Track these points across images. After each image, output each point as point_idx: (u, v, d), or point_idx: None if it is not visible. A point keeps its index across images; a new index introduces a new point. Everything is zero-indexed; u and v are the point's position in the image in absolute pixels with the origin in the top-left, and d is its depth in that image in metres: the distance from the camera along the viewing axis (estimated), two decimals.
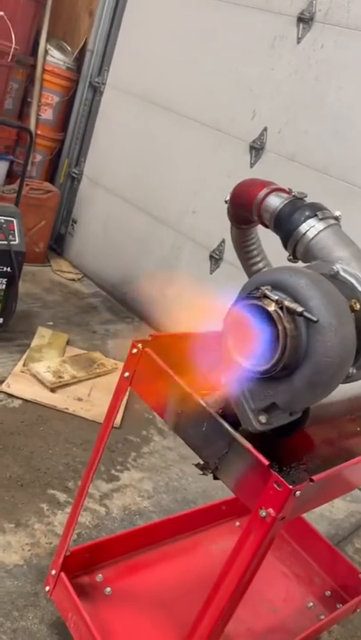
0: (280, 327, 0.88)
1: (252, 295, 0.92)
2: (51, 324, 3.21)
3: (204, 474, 1.06)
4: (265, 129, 3.00)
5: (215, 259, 3.24)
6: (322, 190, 2.78)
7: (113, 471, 2.25)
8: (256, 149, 3.04)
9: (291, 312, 0.87)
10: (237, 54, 3.09)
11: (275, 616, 1.68)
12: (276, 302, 0.89)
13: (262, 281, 0.94)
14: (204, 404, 1.04)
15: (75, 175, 4.15)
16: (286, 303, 0.88)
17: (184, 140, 3.40)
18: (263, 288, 0.91)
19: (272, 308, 0.89)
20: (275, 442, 1.13)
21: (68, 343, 3.04)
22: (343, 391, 1.24)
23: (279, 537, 1.99)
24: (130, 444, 2.43)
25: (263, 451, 1.06)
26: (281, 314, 0.88)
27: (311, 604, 1.77)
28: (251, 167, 3.08)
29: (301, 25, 2.82)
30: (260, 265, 1.48)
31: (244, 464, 0.98)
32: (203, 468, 1.06)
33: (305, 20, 2.79)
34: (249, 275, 1.49)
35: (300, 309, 0.86)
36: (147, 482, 2.24)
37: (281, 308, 0.88)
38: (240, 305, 0.94)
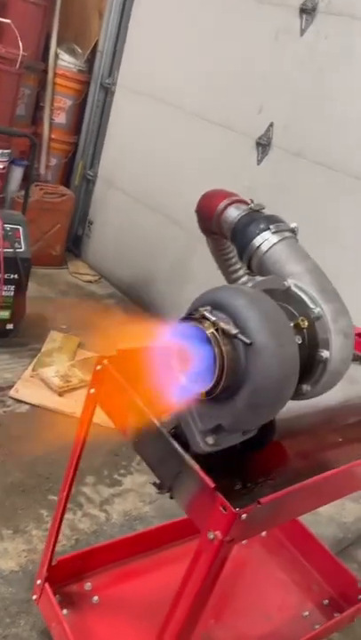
0: (217, 349, 0.86)
1: (191, 316, 0.90)
2: (64, 327, 3.25)
3: (160, 493, 1.06)
4: (271, 124, 2.95)
5: None
6: (329, 185, 2.72)
7: (116, 475, 2.27)
8: (263, 146, 2.99)
9: (226, 334, 0.86)
10: (242, 49, 3.04)
11: (268, 624, 1.67)
12: (213, 324, 0.87)
13: (204, 301, 0.92)
14: (157, 424, 1.04)
15: (89, 177, 4.18)
16: (222, 325, 0.86)
17: (193, 138, 3.38)
18: (202, 309, 0.89)
19: (210, 330, 0.88)
20: (244, 456, 1.12)
21: (79, 346, 3.07)
22: (314, 403, 1.22)
23: (279, 543, 1.97)
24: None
25: (229, 466, 1.06)
26: (218, 336, 0.87)
27: (307, 612, 1.75)
28: (258, 164, 3.04)
29: (304, 16, 2.74)
30: (240, 272, 1.45)
31: (193, 485, 0.97)
32: (159, 488, 1.05)
33: (308, 10, 2.72)
34: (230, 283, 1.47)
35: (234, 331, 0.85)
36: (149, 486, 2.24)
37: (217, 330, 0.87)
38: (181, 326, 0.92)
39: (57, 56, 3.91)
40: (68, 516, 1.98)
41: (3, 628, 1.57)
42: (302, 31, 2.78)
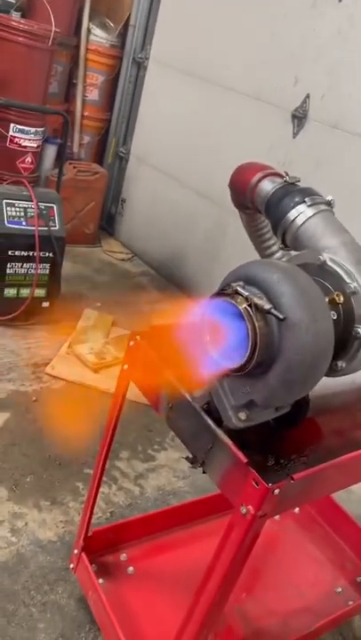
0: (250, 325, 0.85)
1: (223, 292, 0.89)
2: (99, 304, 3.28)
3: (193, 467, 1.07)
4: (307, 96, 2.87)
5: None
6: None
7: (150, 451, 2.30)
8: (299, 118, 2.91)
9: (259, 309, 0.85)
10: (278, 18, 2.95)
11: (300, 600, 1.67)
12: (246, 299, 0.86)
13: (237, 276, 0.91)
14: (190, 399, 1.04)
15: (122, 154, 4.16)
16: (255, 300, 0.85)
17: (226, 112, 3.32)
18: (235, 284, 0.88)
19: (242, 305, 0.87)
20: (278, 433, 1.12)
21: (113, 324, 3.10)
22: (351, 380, 1.20)
23: (311, 520, 1.97)
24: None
25: (263, 443, 1.05)
26: (250, 311, 0.86)
27: (340, 589, 1.75)
28: (294, 137, 2.96)
29: None
30: (275, 248, 1.43)
31: (226, 460, 0.98)
32: (192, 462, 1.06)
33: None
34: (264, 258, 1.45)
35: (267, 307, 0.84)
36: (183, 462, 2.26)
37: (250, 306, 0.86)
38: (213, 301, 0.92)
39: (89, 31, 3.87)
40: (103, 489, 2.02)
41: (42, 595, 1.63)
42: None
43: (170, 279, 3.83)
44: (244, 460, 0.94)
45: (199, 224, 3.58)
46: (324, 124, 2.81)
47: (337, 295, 0.93)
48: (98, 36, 3.91)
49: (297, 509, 1.97)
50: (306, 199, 1.03)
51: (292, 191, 1.07)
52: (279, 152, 3.00)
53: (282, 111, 2.98)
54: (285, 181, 1.09)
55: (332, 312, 0.93)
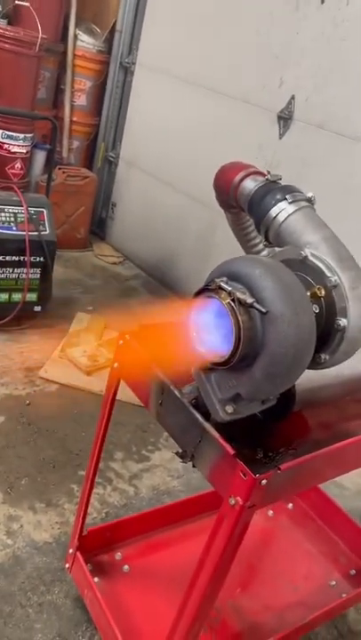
0: (233, 319, 0.87)
1: (207, 287, 0.92)
2: (90, 308, 3.30)
3: (183, 462, 1.09)
4: (292, 97, 2.90)
5: None
6: (354, 157, 2.67)
7: (144, 451, 2.31)
8: (284, 119, 2.95)
9: (242, 304, 0.87)
10: (262, 20, 2.98)
11: (294, 594, 1.69)
12: (229, 294, 0.88)
13: (221, 271, 0.94)
14: (178, 394, 1.06)
15: (111, 159, 4.18)
16: (238, 295, 0.87)
17: (214, 114, 3.35)
18: (218, 280, 0.91)
19: (226, 300, 0.89)
20: (266, 427, 1.14)
21: (106, 327, 3.11)
22: (336, 373, 1.23)
23: (305, 515, 1.99)
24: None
25: (251, 436, 1.08)
26: (234, 306, 0.88)
27: (334, 582, 1.77)
28: (280, 138, 3.00)
29: None
30: (260, 246, 1.46)
31: (214, 453, 1.00)
32: (182, 457, 1.08)
33: None
34: None
35: (250, 301, 0.86)
36: (177, 461, 2.26)
37: (233, 300, 0.88)
38: (198, 297, 0.94)
39: (76, 37, 3.90)
40: (98, 490, 2.03)
41: (38, 595, 1.64)
42: None
43: (161, 281, 3.85)
44: (232, 451, 0.96)
45: (189, 226, 3.60)
46: (309, 124, 2.84)
47: (318, 289, 0.96)
48: (84, 42, 3.94)
49: (290, 505, 1.99)
50: (287, 196, 1.06)
51: (273, 189, 1.09)
52: (267, 153, 3.03)
53: (268, 113, 3.01)
54: (267, 180, 1.12)
55: (314, 305, 0.96)
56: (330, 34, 2.70)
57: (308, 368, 0.96)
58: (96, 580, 1.52)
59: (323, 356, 0.99)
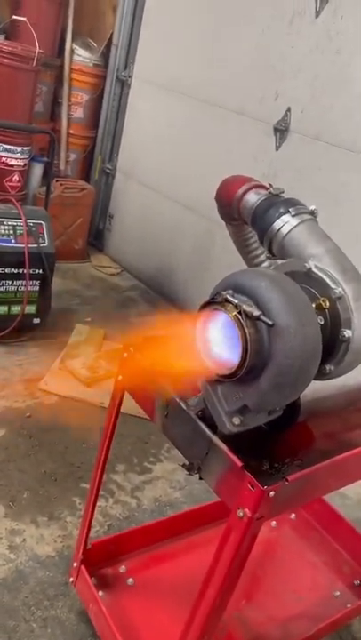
0: (240, 332, 0.88)
1: (214, 300, 0.93)
2: (89, 319, 3.30)
3: (190, 474, 1.09)
4: (288, 109, 2.93)
5: None
6: (349, 168, 2.70)
7: (146, 463, 2.31)
8: (281, 131, 2.98)
9: (249, 316, 0.88)
10: (257, 35, 3.02)
11: (298, 604, 1.69)
12: (236, 307, 0.89)
13: (226, 284, 0.95)
14: (184, 407, 1.07)
15: (109, 171, 4.21)
16: (244, 307, 0.88)
17: (210, 126, 3.38)
18: (224, 292, 0.92)
19: (232, 313, 0.90)
20: (271, 438, 1.14)
21: (105, 338, 3.11)
22: (341, 384, 1.23)
23: (308, 525, 1.99)
24: (163, 436, 2.47)
25: (257, 448, 1.08)
26: (241, 318, 0.89)
27: (338, 592, 1.76)
28: (276, 150, 3.02)
29: None
30: (262, 257, 1.47)
31: (222, 465, 1.00)
32: (188, 469, 1.08)
33: None
34: None
35: (256, 313, 0.87)
36: (179, 473, 2.28)
37: (240, 313, 0.89)
38: (205, 309, 0.95)
39: (72, 51, 3.94)
40: (100, 503, 2.03)
41: (42, 610, 1.63)
42: (317, 13, 2.75)
43: (160, 292, 3.86)
44: (240, 464, 0.96)
45: (187, 236, 3.62)
46: (305, 135, 2.87)
47: (323, 301, 0.97)
48: (81, 56, 3.98)
49: (293, 515, 1.99)
50: (290, 209, 1.07)
51: (276, 202, 1.11)
52: (263, 164, 3.06)
53: (264, 124, 3.04)
54: (270, 193, 1.13)
55: (319, 317, 0.97)
56: (324, 47, 2.74)
57: (314, 379, 0.97)
58: (100, 593, 1.51)
59: (328, 366, 1.00)
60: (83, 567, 1.51)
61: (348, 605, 1.70)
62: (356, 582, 1.81)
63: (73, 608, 1.65)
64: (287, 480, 0.96)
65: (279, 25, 2.89)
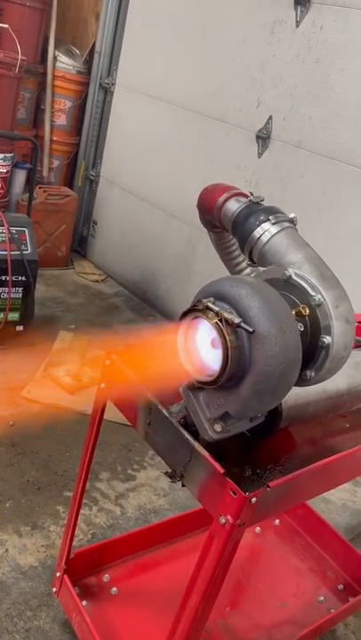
0: (221, 339, 0.89)
1: (195, 307, 0.93)
2: (73, 327, 3.29)
3: (172, 481, 1.09)
4: (270, 117, 2.96)
5: None
6: (330, 175, 2.73)
7: (130, 470, 2.30)
8: (263, 139, 3.00)
9: (230, 324, 0.88)
10: (239, 44, 3.05)
11: (283, 610, 1.69)
12: (217, 314, 0.89)
13: (207, 292, 0.95)
14: (167, 414, 1.07)
15: (92, 177, 4.21)
16: (225, 315, 0.88)
17: (194, 133, 3.40)
18: (206, 300, 0.92)
19: (213, 320, 0.90)
20: (254, 445, 1.15)
21: (89, 345, 3.10)
22: (321, 389, 1.24)
23: (293, 531, 1.99)
24: (147, 443, 2.47)
25: (239, 454, 1.08)
26: (222, 326, 0.89)
27: (322, 597, 1.77)
28: (259, 157, 3.05)
29: (299, 7, 2.75)
30: (243, 265, 1.47)
31: (204, 472, 1.00)
32: (171, 477, 1.08)
33: (302, 2, 2.72)
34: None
35: (237, 320, 0.87)
36: (163, 480, 2.28)
37: (221, 320, 0.89)
38: (186, 317, 0.95)
39: (55, 58, 3.94)
40: (83, 511, 2.01)
41: (24, 621, 1.61)
42: (298, 23, 2.78)
43: (144, 299, 3.86)
44: (221, 470, 0.96)
45: (171, 243, 3.63)
46: (287, 143, 2.90)
47: (303, 308, 0.98)
48: (64, 63, 3.98)
49: (277, 521, 1.99)
50: (270, 217, 1.08)
51: (256, 210, 1.11)
52: (246, 171, 3.08)
53: (247, 132, 3.07)
54: (250, 201, 1.14)
55: (299, 324, 0.97)
56: (305, 56, 2.78)
57: (295, 385, 0.98)
58: (84, 603, 1.50)
59: (308, 373, 1.01)
60: (65, 577, 1.50)
61: (332, 610, 1.71)
62: (340, 587, 1.82)
63: (56, 618, 1.63)
64: (269, 486, 0.96)
65: (261, 33, 2.93)
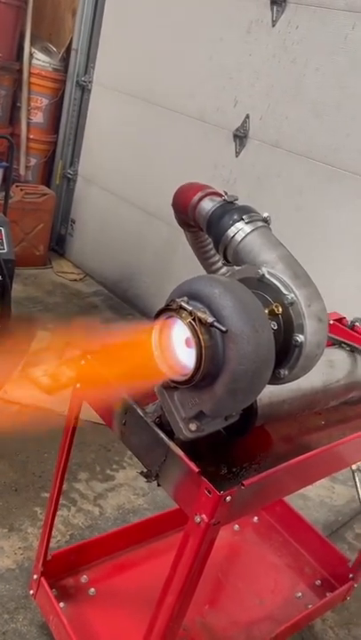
0: (194, 338, 0.89)
1: (169, 307, 0.93)
2: (51, 326, 3.26)
3: (148, 481, 1.09)
4: (247, 116, 2.97)
5: None
6: (306, 174, 2.75)
7: (108, 470, 2.29)
8: (240, 138, 3.01)
9: (203, 323, 0.88)
10: (215, 43, 3.06)
11: (261, 607, 1.70)
12: (190, 314, 0.89)
13: (181, 291, 0.95)
14: (142, 414, 1.06)
15: (70, 176, 4.17)
16: (199, 314, 0.88)
17: (171, 132, 3.40)
18: (179, 299, 0.92)
19: (187, 319, 0.90)
20: (230, 443, 1.15)
21: (67, 345, 3.08)
22: (296, 387, 1.25)
23: (270, 528, 2.01)
24: None
25: (215, 453, 1.09)
26: (195, 325, 0.89)
27: (300, 593, 1.78)
28: (236, 156, 3.06)
29: (275, 7, 2.76)
30: (219, 264, 1.47)
31: (179, 471, 1.00)
32: (146, 476, 1.08)
33: (278, 1, 2.74)
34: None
35: (210, 320, 0.87)
36: (142, 479, 2.26)
37: (194, 320, 0.89)
38: (160, 316, 0.95)
39: (31, 55, 3.90)
40: (62, 512, 2.00)
41: (1, 624, 1.59)
42: (274, 22, 2.79)
43: (123, 297, 3.85)
44: (196, 469, 0.96)
45: (149, 242, 3.62)
46: (264, 142, 2.92)
47: (276, 306, 0.98)
48: (40, 60, 3.94)
49: (256, 518, 2.00)
50: (244, 217, 1.08)
51: (230, 209, 1.12)
52: (224, 170, 3.09)
53: (224, 131, 3.08)
54: (224, 200, 1.14)
55: (273, 322, 0.98)
56: (281, 56, 2.79)
57: (269, 383, 0.98)
58: (62, 605, 1.49)
59: (282, 371, 1.01)
60: (43, 579, 1.49)
61: (310, 606, 1.72)
62: (317, 582, 1.84)
63: (34, 621, 1.62)
64: (243, 484, 0.97)
65: (237, 32, 2.93)
